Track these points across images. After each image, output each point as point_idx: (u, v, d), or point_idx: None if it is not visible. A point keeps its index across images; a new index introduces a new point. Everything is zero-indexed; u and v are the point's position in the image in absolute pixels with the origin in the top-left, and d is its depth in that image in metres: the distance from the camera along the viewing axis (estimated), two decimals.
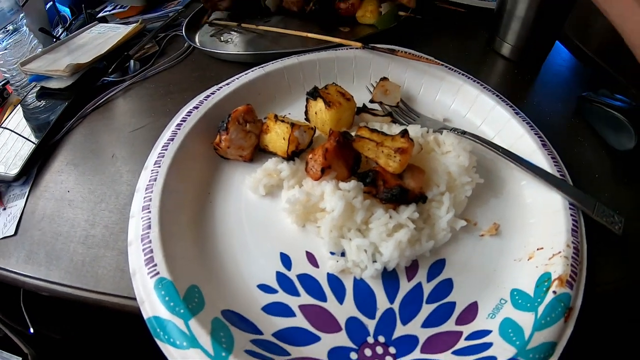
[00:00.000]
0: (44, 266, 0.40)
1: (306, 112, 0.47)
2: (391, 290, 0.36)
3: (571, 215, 0.38)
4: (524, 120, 0.47)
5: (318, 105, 0.43)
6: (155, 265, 0.33)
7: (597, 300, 0.37)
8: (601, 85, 0.58)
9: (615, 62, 0.60)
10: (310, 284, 0.35)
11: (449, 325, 0.34)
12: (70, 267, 0.39)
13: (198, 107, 0.46)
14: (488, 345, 0.32)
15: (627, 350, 0.53)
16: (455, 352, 0.32)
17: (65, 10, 0.80)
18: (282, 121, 0.41)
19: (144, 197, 0.38)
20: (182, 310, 0.30)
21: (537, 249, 0.38)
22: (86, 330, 0.70)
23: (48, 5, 0.76)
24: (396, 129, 0.46)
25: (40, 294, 0.41)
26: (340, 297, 0.35)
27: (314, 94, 0.43)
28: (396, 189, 0.36)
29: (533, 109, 0.55)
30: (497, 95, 0.50)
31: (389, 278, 0.36)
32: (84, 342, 0.69)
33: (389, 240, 0.35)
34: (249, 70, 0.51)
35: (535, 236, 0.39)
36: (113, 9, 0.81)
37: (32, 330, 0.58)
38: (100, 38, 0.67)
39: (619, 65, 0.60)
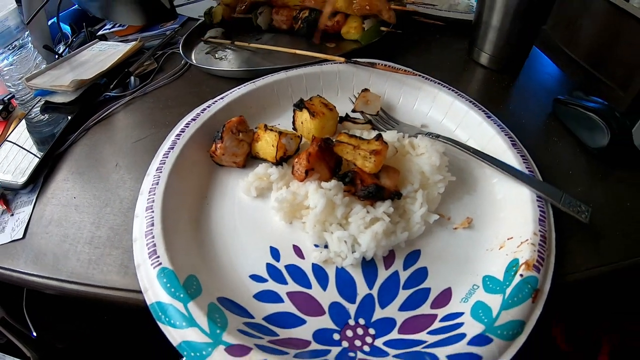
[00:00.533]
0: (52, 265, 0.43)
1: (293, 122, 0.51)
2: (370, 277, 0.39)
3: (539, 206, 0.41)
4: (495, 123, 0.51)
5: (304, 116, 0.48)
6: (158, 257, 0.37)
7: (571, 287, 0.40)
8: (576, 88, 0.62)
9: (600, 66, 0.63)
10: (296, 273, 0.39)
11: (425, 309, 0.37)
12: (77, 265, 0.42)
13: (195, 119, 0.51)
14: (459, 325, 0.34)
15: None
16: (430, 332, 0.35)
17: (66, 28, 0.84)
18: (271, 130, 0.46)
19: (148, 199, 0.42)
20: (181, 295, 0.34)
21: (507, 239, 0.40)
22: (89, 339, 0.72)
23: (50, 22, 0.80)
24: (374, 135, 0.50)
25: (48, 292, 0.44)
26: (323, 284, 0.38)
27: (300, 105, 0.48)
28: (372, 186, 0.41)
29: (509, 113, 0.58)
30: (471, 102, 0.54)
31: (368, 267, 0.40)
32: (86, 349, 0.71)
33: (366, 232, 0.39)
34: (241, 85, 0.56)
35: (505, 228, 0.42)
36: (112, 27, 0.85)
37: (34, 334, 0.61)
38: (101, 55, 0.72)
39: (605, 69, 0.62)
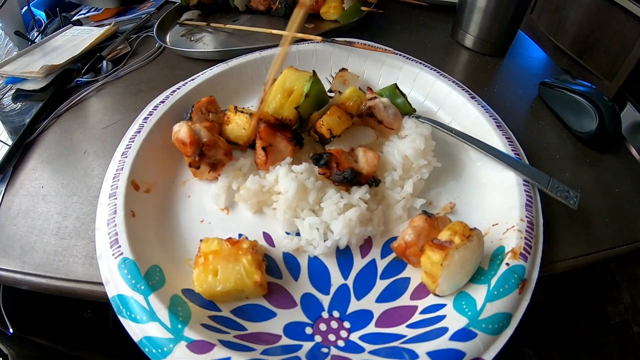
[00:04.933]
0: (19, 259, 0.41)
1: None
2: (345, 267, 0.37)
3: (525, 191, 0.40)
4: (479, 104, 0.49)
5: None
6: (120, 246, 0.35)
7: (559, 276, 0.38)
8: (563, 72, 0.61)
9: (586, 55, 0.62)
10: (267, 262, 0.37)
11: (404, 300, 0.35)
12: (44, 258, 0.41)
13: (164, 102, 0.48)
14: (441, 318, 0.33)
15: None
16: (410, 326, 0.33)
17: (41, 14, 0.81)
18: (242, 112, 0.43)
19: (111, 185, 0.40)
20: (142, 287, 0.32)
21: (493, 225, 0.39)
22: (71, 335, 0.70)
23: (23, 10, 0.77)
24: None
25: (17, 287, 0.43)
26: (295, 274, 0.37)
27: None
28: (348, 171, 0.38)
29: (494, 96, 0.57)
30: (454, 82, 0.53)
31: (343, 256, 0.38)
32: (68, 345, 0.70)
33: (339, 218, 0.37)
34: (213, 66, 0.54)
35: (491, 213, 0.41)
36: (88, 11, 0.82)
37: (11, 331, 0.59)
38: (74, 40, 0.69)
39: (591, 58, 0.62)
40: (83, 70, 0.63)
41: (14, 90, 0.63)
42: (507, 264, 0.33)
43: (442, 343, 0.29)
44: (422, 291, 0.36)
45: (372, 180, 0.40)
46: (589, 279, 0.69)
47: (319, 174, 0.39)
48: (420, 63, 0.56)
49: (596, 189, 0.46)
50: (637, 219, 0.43)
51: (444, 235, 0.33)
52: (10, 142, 0.54)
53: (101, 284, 0.36)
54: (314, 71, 0.42)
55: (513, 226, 0.37)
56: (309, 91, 0.40)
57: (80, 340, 0.70)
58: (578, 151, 0.50)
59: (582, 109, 0.50)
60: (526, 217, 0.37)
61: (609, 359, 0.72)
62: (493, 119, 0.48)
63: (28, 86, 0.62)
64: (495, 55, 0.67)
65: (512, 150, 0.44)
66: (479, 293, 0.33)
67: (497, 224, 0.39)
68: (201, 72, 0.53)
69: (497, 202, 0.41)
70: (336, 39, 0.56)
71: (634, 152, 0.51)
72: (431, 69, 0.55)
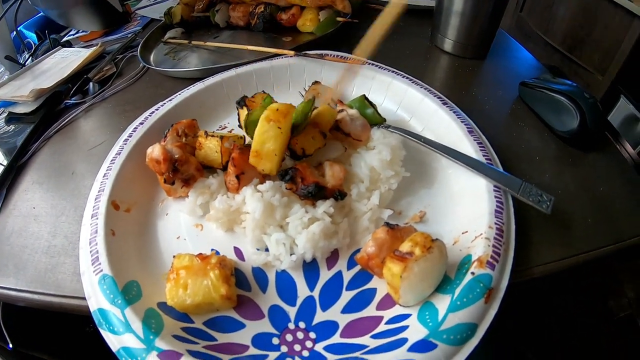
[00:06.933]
0: (12, 276, 0.44)
1: (239, 120, 0.51)
2: (311, 279, 0.39)
3: (496, 197, 0.39)
4: (451, 110, 0.49)
5: (245, 113, 0.47)
6: (100, 264, 0.37)
7: (535, 282, 0.38)
8: (545, 72, 0.60)
9: (577, 50, 0.62)
10: (236, 276, 0.39)
11: (370, 311, 0.36)
12: (35, 275, 0.43)
13: (143, 123, 0.51)
14: (404, 328, 0.33)
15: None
16: (374, 336, 0.33)
17: (31, 36, 0.84)
18: (212, 136, 0.45)
19: (93, 206, 0.43)
20: (119, 301, 0.35)
21: (462, 233, 0.39)
22: (71, 350, 0.72)
23: (13, 35, 0.80)
24: None
25: (12, 304, 0.45)
26: (263, 286, 0.38)
27: (240, 102, 0.47)
28: (312, 186, 0.40)
29: (472, 99, 0.57)
30: (426, 89, 0.53)
31: (310, 269, 0.39)
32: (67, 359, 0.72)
33: (303, 232, 0.38)
34: (190, 86, 0.56)
35: (461, 221, 0.40)
36: (77, 32, 0.85)
37: (10, 346, 0.62)
38: (62, 62, 0.72)
39: (582, 53, 0.62)
40: (71, 92, 0.66)
41: (6, 114, 0.66)
42: (473, 273, 0.33)
43: (400, 354, 0.30)
44: (388, 302, 0.36)
45: (338, 194, 0.41)
46: (590, 275, 0.68)
47: (287, 188, 0.41)
48: (393, 71, 0.56)
49: (579, 189, 0.45)
50: (624, 217, 0.42)
51: (405, 247, 0.34)
52: (3, 163, 0.57)
53: (84, 298, 0.38)
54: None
55: (481, 234, 0.36)
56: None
57: (81, 355, 0.71)
58: (560, 151, 0.49)
59: (562, 107, 0.49)
60: (495, 224, 0.37)
61: (613, 356, 0.71)
62: (465, 124, 0.47)
63: (19, 109, 0.65)
64: (476, 58, 0.66)
65: (484, 155, 0.44)
66: (442, 303, 0.33)
67: (466, 232, 0.39)
68: (179, 92, 0.55)
69: (467, 209, 0.41)
70: (308, 52, 0.58)
71: (627, 146, 0.50)
72: (404, 76, 0.55)
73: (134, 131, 0.50)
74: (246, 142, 0.47)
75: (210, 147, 0.45)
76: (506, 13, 0.65)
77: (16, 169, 0.57)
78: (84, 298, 0.39)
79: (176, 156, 0.43)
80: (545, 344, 0.66)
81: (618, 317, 0.72)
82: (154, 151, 0.43)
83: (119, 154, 0.47)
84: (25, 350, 0.64)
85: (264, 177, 0.42)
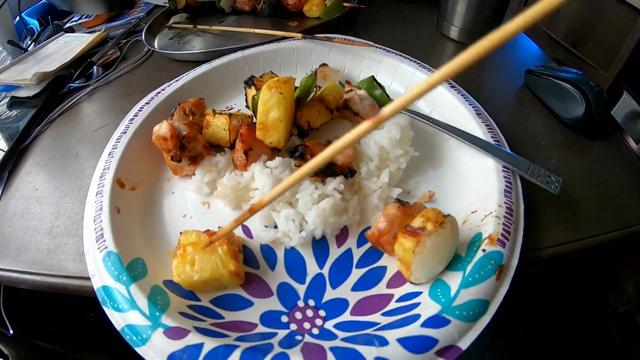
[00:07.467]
0: (14, 258, 0.43)
1: (246, 100, 0.50)
2: (321, 256, 0.38)
3: (504, 177, 0.39)
4: (458, 93, 0.49)
5: (253, 93, 0.47)
6: (105, 240, 0.37)
7: (543, 263, 0.38)
8: (552, 60, 0.60)
9: (581, 45, 0.62)
10: (245, 254, 0.39)
11: (380, 289, 0.35)
12: (37, 256, 0.43)
13: (149, 102, 0.50)
14: (416, 305, 0.32)
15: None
16: (385, 314, 0.33)
17: (34, 23, 0.83)
18: (220, 114, 0.44)
19: (98, 184, 0.42)
20: (124, 278, 0.34)
21: (471, 212, 0.39)
22: (73, 337, 0.72)
23: (16, 20, 0.80)
24: None
25: (14, 286, 0.45)
26: (272, 264, 0.38)
27: (249, 82, 0.47)
28: None
29: (479, 86, 0.57)
30: (432, 72, 0.52)
31: (319, 246, 0.39)
32: (70, 347, 0.71)
33: (313, 208, 0.38)
34: (197, 67, 0.55)
35: (470, 201, 0.40)
36: (79, 18, 0.84)
37: (11, 332, 0.61)
38: (65, 47, 0.71)
39: (586, 48, 0.61)
40: (74, 76, 0.65)
41: (9, 99, 0.65)
42: (484, 250, 0.33)
43: (413, 330, 0.29)
44: (398, 280, 0.36)
45: (348, 171, 0.41)
46: (589, 269, 0.68)
47: (295, 166, 0.40)
48: (401, 55, 0.56)
49: (585, 175, 0.45)
50: (627, 205, 0.43)
51: (416, 222, 0.34)
52: (3, 147, 0.56)
53: (89, 278, 0.37)
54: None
55: (491, 212, 0.36)
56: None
57: (83, 343, 0.71)
58: (565, 138, 0.50)
59: (568, 95, 0.49)
60: (505, 203, 0.37)
61: (613, 350, 0.71)
62: (473, 107, 0.48)
63: (22, 93, 0.64)
64: None
65: (492, 137, 0.44)
66: (454, 280, 0.32)
67: (475, 211, 0.39)
68: (186, 73, 0.54)
69: (476, 189, 0.41)
70: (316, 35, 0.57)
71: (630, 141, 0.50)
72: (411, 60, 0.55)
73: (140, 110, 0.49)
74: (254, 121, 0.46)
75: (218, 125, 0.44)
76: (510, 8, 0.66)
77: (18, 153, 0.56)
78: (87, 278, 0.39)
79: (184, 133, 0.42)
80: (553, 328, 0.66)
81: (618, 312, 0.72)
82: (162, 128, 0.42)
83: (125, 132, 0.46)
84: (26, 337, 0.63)
85: (272, 154, 0.41)
